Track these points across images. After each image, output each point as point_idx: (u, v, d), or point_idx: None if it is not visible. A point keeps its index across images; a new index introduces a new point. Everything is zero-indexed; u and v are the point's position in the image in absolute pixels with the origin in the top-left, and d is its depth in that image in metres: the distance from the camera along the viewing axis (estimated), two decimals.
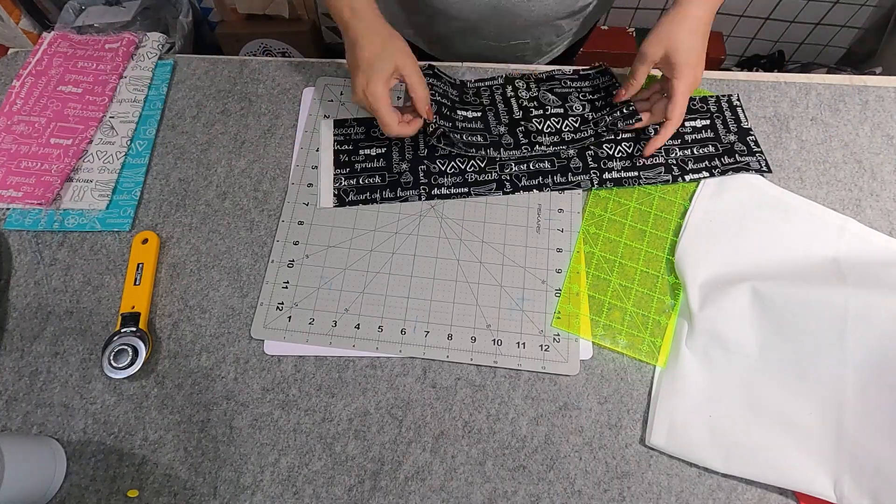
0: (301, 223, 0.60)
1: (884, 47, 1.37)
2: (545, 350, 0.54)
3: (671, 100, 0.58)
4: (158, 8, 1.39)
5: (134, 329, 0.54)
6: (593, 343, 0.55)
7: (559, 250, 0.59)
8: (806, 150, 0.64)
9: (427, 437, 0.52)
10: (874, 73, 1.35)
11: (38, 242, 0.60)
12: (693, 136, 0.63)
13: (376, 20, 0.58)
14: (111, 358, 0.52)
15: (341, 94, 0.68)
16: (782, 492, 0.49)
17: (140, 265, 0.57)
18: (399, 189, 0.61)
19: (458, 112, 0.64)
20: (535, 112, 0.64)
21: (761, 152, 0.62)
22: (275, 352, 0.55)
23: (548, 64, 0.79)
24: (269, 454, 0.51)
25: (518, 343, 0.55)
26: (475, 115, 0.64)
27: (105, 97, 0.67)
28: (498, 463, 0.51)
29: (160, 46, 0.71)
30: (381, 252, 0.59)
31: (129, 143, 0.65)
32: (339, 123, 0.65)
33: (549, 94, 0.66)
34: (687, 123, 0.64)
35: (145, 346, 0.53)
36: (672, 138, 0.62)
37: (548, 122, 0.63)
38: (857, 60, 1.48)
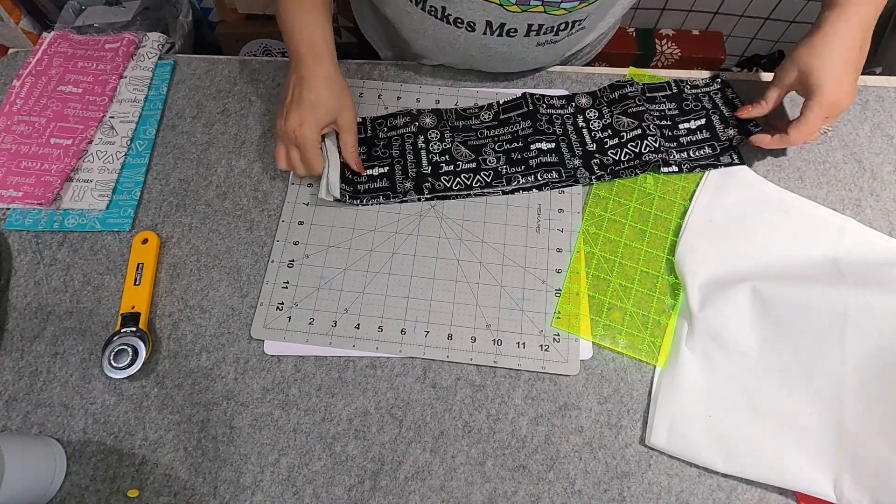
0: (301, 223, 0.60)
1: (884, 47, 1.37)
2: (545, 350, 0.54)
3: (799, 118, 0.55)
4: (158, 8, 1.39)
5: (134, 329, 0.54)
6: (593, 343, 0.55)
7: (559, 250, 0.59)
8: (806, 150, 0.64)
9: (427, 437, 0.52)
10: (874, 73, 1.35)
11: (38, 242, 0.60)
12: (689, 139, 0.63)
13: (333, 70, 0.57)
14: (111, 358, 0.52)
15: None
16: (782, 492, 0.49)
17: (140, 265, 0.57)
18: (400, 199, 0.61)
19: (532, 147, 0.62)
20: (609, 143, 0.62)
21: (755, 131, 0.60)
22: (275, 352, 0.55)
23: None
24: (269, 454, 0.51)
25: (518, 343, 0.55)
26: (549, 146, 0.62)
27: (105, 97, 0.67)
28: (498, 463, 0.51)
29: (160, 46, 0.72)
30: (381, 252, 0.59)
31: (129, 143, 0.65)
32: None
33: (463, 148, 0.63)
34: (681, 126, 0.63)
35: (145, 346, 0.53)
36: (669, 141, 0.62)
37: (457, 179, 0.61)
38: None
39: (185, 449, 0.51)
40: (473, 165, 0.62)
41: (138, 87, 0.68)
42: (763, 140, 0.58)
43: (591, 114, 0.64)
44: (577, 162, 0.61)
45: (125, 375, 0.52)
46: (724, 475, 0.50)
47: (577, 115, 0.64)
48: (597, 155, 0.61)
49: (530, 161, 0.61)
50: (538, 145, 0.62)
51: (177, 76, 0.70)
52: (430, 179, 0.61)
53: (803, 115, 0.54)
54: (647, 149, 0.60)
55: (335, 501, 0.50)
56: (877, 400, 0.49)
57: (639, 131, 0.61)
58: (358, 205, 0.60)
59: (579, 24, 0.60)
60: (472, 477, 0.50)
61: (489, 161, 0.62)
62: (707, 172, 0.61)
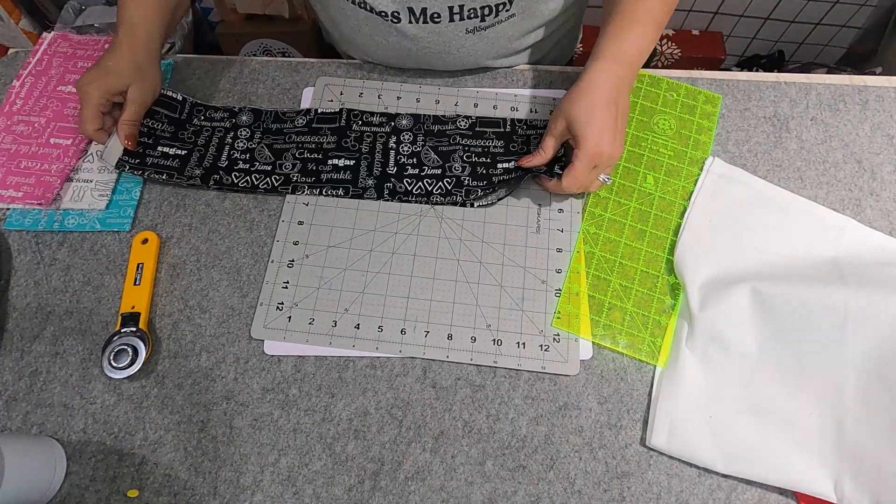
0: (301, 223, 0.60)
1: (884, 47, 1.37)
2: (545, 350, 0.54)
3: (569, 166, 0.55)
4: None
5: (134, 329, 0.54)
6: (593, 343, 0.55)
7: (559, 250, 0.59)
8: (806, 150, 0.64)
9: (427, 437, 0.52)
10: (874, 73, 1.35)
11: (38, 242, 0.60)
12: (501, 178, 0.61)
13: (141, 48, 0.59)
14: (111, 358, 0.52)
15: (341, 93, 0.68)
16: (782, 492, 0.49)
17: (140, 265, 0.57)
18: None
19: (330, 162, 0.62)
20: (409, 171, 0.62)
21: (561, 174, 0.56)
22: (275, 352, 0.55)
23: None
24: (269, 454, 0.51)
25: (518, 343, 0.55)
26: (347, 163, 0.62)
27: None
28: (498, 463, 0.51)
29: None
30: (381, 252, 0.59)
31: None
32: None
33: (432, 153, 0.62)
34: (499, 165, 0.61)
35: (145, 346, 0.53)
36: (478, 179, 0.60)
37: (419, 183, 0.61)
38: (857, 60, 1.48)
39: (185, 449, 0.51)
40: (269, 168, 0.62)
41: None
42: (545, 182, 0.59)
43: (406, 137, 0.64)
44: (370, 182, 0.61)
45: (125, 375, 0.52)
46: (725, 475, 0.50)
47: (391, 135, 0.64)
48: (392, 179, 0.61)
49: (322, 175, 0.62)
50: (335, 161, 0.62)
51: (177, 76, 0.70)
52: (220, 172, 0.62)
53: (571, 164, 0.54)
54: (439, 190, 0.60)
55: (335, 501, 0.50)
56: (877, 400, 0.49)
57: (438, 171, 0.61)
58: (140, 175, 0.61)
59: (505, 9, 0.60)
60: (472, 477, 0.50)
61: (284, 166, 0.62)
62: (706, 173, 0.61)
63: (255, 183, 0.61)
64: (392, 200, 0.61)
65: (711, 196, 0.60)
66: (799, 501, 0.49)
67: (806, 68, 1.51)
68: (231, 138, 0.64)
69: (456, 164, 0.62)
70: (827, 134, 0.65)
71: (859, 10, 1.37)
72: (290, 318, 0.56)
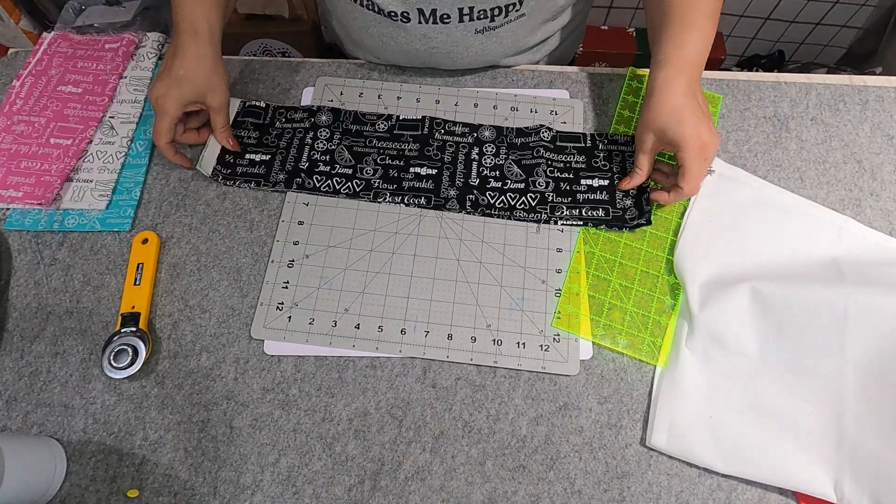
0: (301, 223, 0.60)
1: (884, 47, 1.37)
2: (545, 350, 0.54)
3: (681, 171, 0.54)
4: (158, 8, 1.38)
5: (134, 329, 0.54)
6: (593, 343, 0.55)
7: (559, 250, 0.59)
8: (806, 150, 0.64)
9: (427, 437, 0.52)
10: (874, 73, 1.35)
11: (38, 242, 0.60)
12: (586, 196, 0.60)
13: (209, 49, 0.57)
14: (111, 358, 0.52)
15: (341, 93, 0.68)
16: (782, 492, 0.49)
17: (140, 265, 0.57)
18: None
19: (412, 170, 0.62)
20: (492, 184, 0.61)
21: (650, 211, 0.58)
22: (275, 352, 0.55)
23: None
24: (269, 454, 0.51)
25: (518, 343, 0.55)
26: (430, 172, 0.62)
27: (105, 97, 0.67)
28: (498, 463, 0.51)
29: (160, 46, 0.72)
30: (381, 252, 0.59)
31: (129, 143, 0.65)
32: None
33: (515, 166, 0.61)
34: (583, 182, 0.60)
35: (145, 346, 0.53)
36: (562, 196, 0.60)
37: (502, 197, 0.60)
38: (857, 60, 1.48)
39: (185, 449, 0.51)
40: (349, 171, 0.62)
41: (138, 88, 0.68)
42: (661, 197, 0.58)
43: (489, 149, 0.63)
44: (452, 193, 0.60)
45: (125, 375, 0.52)
46: (724, 475, 0.50)
47: (474, 146, 0.63)
48: (475, 192, 0.60)
49: (404, 183, 0.61)
50: (418, 169, 0.62)
51: None
52: (302, 175, 0.61)
53: (683, 168, 0.53)
54: (522, 205, 0.60)
55: (335, 501, 0.50)
56: (877, 400, 0.49)
57: (521, 185, 0.61)
58: (231, 185, 0.62)
59: (515, 9, 0.60)
60: (472, 477, 0.50)
61: (365, 171, 0.62)
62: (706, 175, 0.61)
63: (337, 188, 0.61)
64: (474, 213, 0.60)
65: (711, 196, 0.60)
66: (799, 501, 0.49)
67: (806, 68, 1.51)
68: (311, 139, 0.63)
69: (539, 179, 0.61)
70: (827, 134, 0.65)
71: (859, 10, 1.37)
72: (290, 318, 0.56)
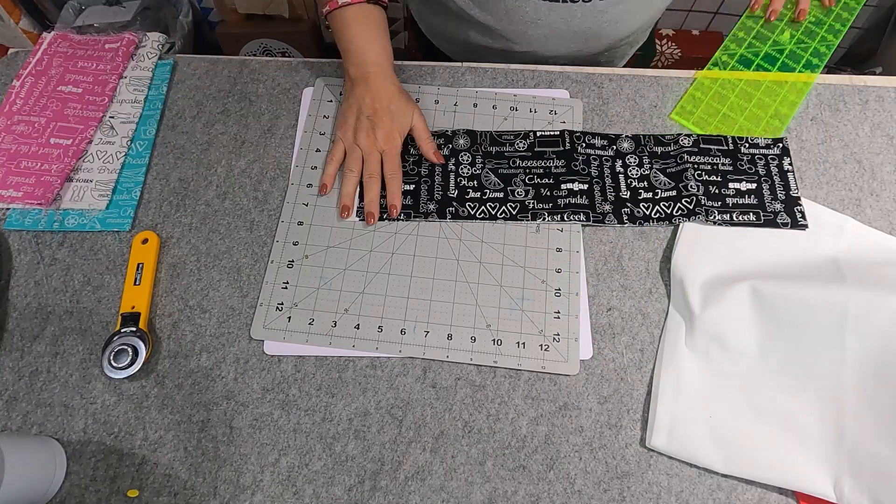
0: (301, 223, 0.60)
1: (884, 47, 1.37)
2: (545, 350, 0.54)
3: None
4: (158, 8, 1.39)
5: (134, 329, 0.54)
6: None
7: (559, 250, 0.59)
8: (806, 150, 0.64)
9: (427, 437, 0.52)
10: (874, 73, 1.35)
11: (38, 242, 0.60)
12: (735, 200, 0.60)
13: (396, 77, 0.62)
14: (111, 358, 0.52)
15: (341, 94, 0.67)
16: (782, 492, 0.49)
17: (140, 265, 0.57)
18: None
19: (564, 186, 0.61)
20: (643, 195, 0.60)
21: (806, 225, 0.58)
22: (275, 352, 0.55)
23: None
24: (269, 454, 0.51)
25: (518, 343, 0.55)
26: (581, 188, 0.61)
27: (105, 97, 0.67)
28: (498, 463, 0.51)
29: (160, 46, 0.71)
30: (381, 252, 0.59)
31: (129, 143, 0.65)
32: None
33: (661, 175, 0.61)
34: (731, 185, 0.60)
35: (145, 346, 0.53)
36: (712, 199, 0.59)
37: (656, 207, 0.60)
38: (857, 60, 1.48)
39: (185, 449, 0.51)
40: (501, 195, 0.61)
41: (138, 88, 0.68)
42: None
43: (631, 160, 0.62)
44: (607, 207, 0.60)
45: (125, 375, 0.52)
46: (724, 475, 0.50)
47: (616, 158, 0.63)
48: (629, 204, 0.60)
49: (559, 200, 0.60)
50: (569, 185, 0.61)
51: (177, 76, 0.70)
52: (454, 204, 0.60)
53: None
54: (679, 212, 0.59)
55: (335, 501, 0.50)
56: (877, 400, 0.49)
57: (673, 193, 0.60)
58: (383, 219, 0.60)
59: None
60: (472, 477, 0.50)
61: (518, 193, 0.61)
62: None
63: (493, 213, 0.60)
64: (634, 225, 0.59)
65: None
66: (799, 501, 0.49)
67: None
68: (454, 164, 0.62)
69: (691, 183, 0.60)
70: (827, 134, 0.65)
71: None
72: (289, 318, 0.56)
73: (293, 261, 0.58)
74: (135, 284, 0.56)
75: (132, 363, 0.52)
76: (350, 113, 0.61)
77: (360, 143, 0.60)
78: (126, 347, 0.53)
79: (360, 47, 0.61)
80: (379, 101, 0.60)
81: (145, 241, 0.59)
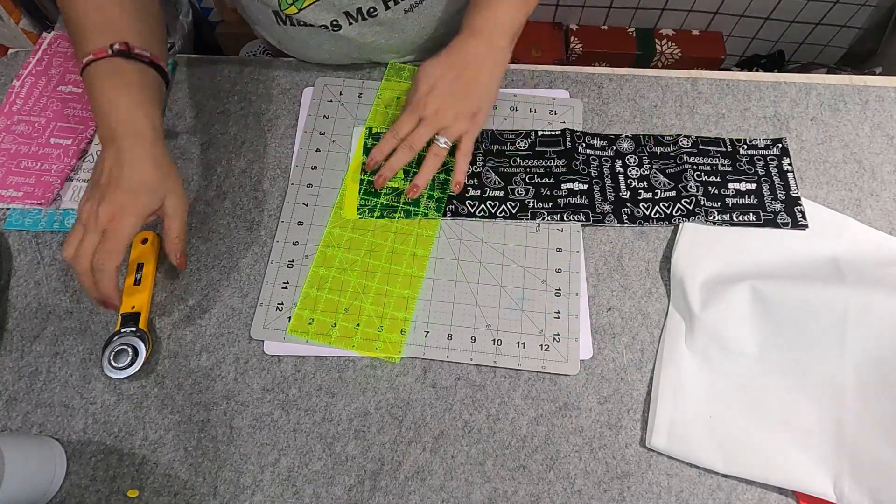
0: (301, 224, 0.60)
1: (884, 47, 1.37)
2: (545, 350, 0.54)
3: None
4: None
5: (134, 329, 0.54)
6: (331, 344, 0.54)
7: (559, 250, 0.59)
8: (806, 150, 0.64)
9: (427, 437, 0.52)
10: (874, 73, 1.35)
11: (38, 242, 0.60)
12: (735, 201, 0.60)
13: (158, 150, 0.49)
14: (111, 358, 0.52)
15: (340, 94, 0.68)
16: (782, 492, 0.49)
17: (140, 265, 0.57)
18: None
19: (564, 186, 0.61)
20: (643, 195, 0.60)
21: (806, 225, 0.58)
22: (275, 352, 0.55)
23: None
24: (269, 454, 0.51)
25: (518, 343, 0.55)
26: (581, 188, 0.61)
27: None
28: (498, 463, 0.51)
29: None
30: (381, 252, 0.59)
31: None
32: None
33: (661, 176, 0.61)
34: (730, 185, 0.61)
35: (145, 346, 0.53)
36: (712, 200, 0.60)
37: (657, 207, 0.60)
38: (857, 60, 1.48)
39: (185, 449, 0.51)
40: (501, 194, 0.61)
41: None
42: None
43: (631, 160, 0.62)
44: (607, 207, 0.60)
45: (125, 375, 0.52)
46: (725, 475, 0.50)
47: (616, 159, 0.63)
48: (628, 205, 0.60)
49: (559, 200, 0.60)
50: (569, 185, 0.61)
51: (177, 76, 0.70)
52: (454, 201, 0.60)
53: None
54: (679, 212, 0.59)
55: (335, 501, 0.50)
56: (877, 399, 0.49)
57: (673, 193, 0.60)
58: (377, 217, 0.60)
59: None
60: (472, 477, 0.50)
61: (518, 192, 0.61)
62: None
63: (493, 211, 0.60)
64: (634, 225, 0.59)
65: None
66: (799, 501, 0.49)
67: (806, 68, 1.51)
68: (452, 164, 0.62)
69: (690, 184, 0.60)
70: (827, 134, 0.65)
71: (859, 10, 1.37)
72: (289, 318, 0.56)
73: (293, 261, 0.58)
74: (135, 284, 0.56)
75: (132, 363, 0.52)
76: (93, 176, 0.49)
77: (81, 213, 0.48)
78: (126, 347, 0.53)
79: (108, 104, 0.49)
80: (118, 167, 0.48)
81: (145, 240, 0.58)
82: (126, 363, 0.52)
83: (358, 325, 0.55)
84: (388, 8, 0.60)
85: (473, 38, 0.55)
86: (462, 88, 0.55)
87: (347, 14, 0.59)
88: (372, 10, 0.60)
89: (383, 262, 0.57)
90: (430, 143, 0.58)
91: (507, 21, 0.56)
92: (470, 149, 0.58)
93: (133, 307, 0.55)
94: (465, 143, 0.57)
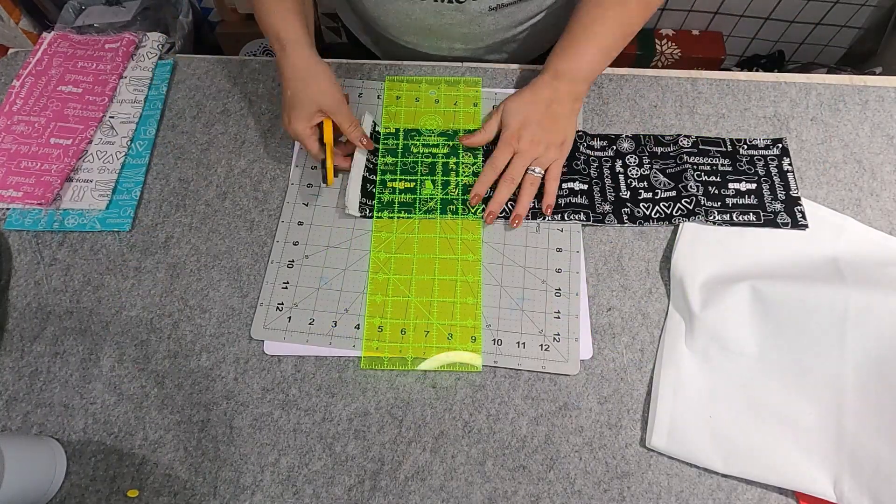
0: (301, 223, 0.60)
1: (884, 47, 1.37)
2: (545, 350, 0.54)
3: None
4: (158, 8, 1.39)
5: None
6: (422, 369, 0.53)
7: (559, 250, 0.59)
8: (806, 150, 0.64)
9: (427, 437, 0.52)
10: (874, 73, 1.35)
11: (38, 242, 0.60)
12: (735, 201, 0.60)
13: (301, 58, 0.58)
14: None
15: None
16: (782, 492, 0.49)
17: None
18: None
19: (565, 185, 0.61)
20: (643, 195, 0.60)
21: (806, 225, 0.58)
22: (275, 352, 0.55)
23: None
24: (269, 454, 0.51)
25: (518, 343, 0.55)
26: (582, 188, 0.61)
27: (105, 97, 0.67)
28: (498, 463, 0.51)
29: (160, 46, 0.72)
30: (381, 252, 0.59)
31: (129, 143, 0.65)
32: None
33: (661, 175, 0.61)
34: (730, 185, 0.60)
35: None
36: (712, 200, 0.60)
37: (657, 207, 0.60)
38: (857, 60, 1.48)
39: (185, 449, 0.51)
40: (673, 194, 0.60)
41: (138, 88, 0.68)
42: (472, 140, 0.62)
43: (631, 160, 0.62)
44: (607, 207, 0.60)
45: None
46: (724, 475, 0.50)
47: (616, 159, 0.63)
48: (628, 204, 0.60)
49: (559, 199, 0.60)
50: (570, 185, 0.61)
51: (177, 76, 0.70)
52: (455, 202, 0.60)
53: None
54: (679, 212, 0.59)
55: (335, 501, 0.50)
56: (877, 399, 0.49)
57: (673, 193, 0.60)
58: (378, 217, 0.60)
59: None
60: (472, 477, 0.50)
61: (690, 188, 0.60)
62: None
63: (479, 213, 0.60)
64: (634, 225, 0.59)
65: None
66: (799, 501, 0.49)
67: (806, 68, 1.51)
68: (455, 163, 0.63)
69: (690, 184, 0.60)
70: (827, 134, 0.65)
71: (859, 10, 1.37)
72: (289, 318, 0.56)
73: (293, 261, 0.58)
74: None
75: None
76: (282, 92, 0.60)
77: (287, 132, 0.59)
78: None
79: (268, 22, 0.59)
80: (283, 86, 0.59)
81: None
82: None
83: (428, 331, 0.55)
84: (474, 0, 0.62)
85: (557, 80, 0.59)
86: (550, 122, 0.59)
87: None
88: None
89: (436, 276, 0.57)
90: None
91: (589, 69, 0.60)
92: (559, 174, 0.60)
93: None
94: (555, 169, 0.60)
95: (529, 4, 0.65)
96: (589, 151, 0.63)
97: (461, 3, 0.62)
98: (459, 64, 0.70)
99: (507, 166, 0.59)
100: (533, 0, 0.64)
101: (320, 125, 0.59)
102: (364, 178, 0.61)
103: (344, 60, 0.71)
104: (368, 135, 0.62)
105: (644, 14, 0.59)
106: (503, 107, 0.61)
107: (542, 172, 0.59)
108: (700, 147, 0.63)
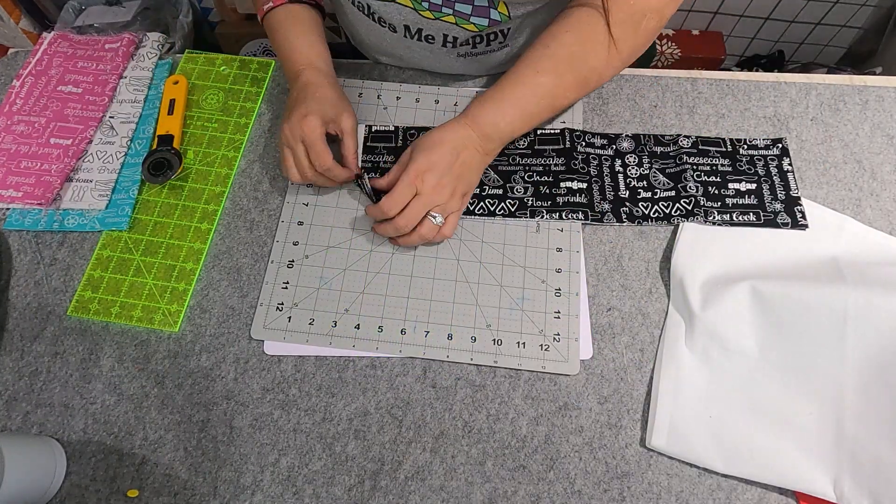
0: (301, 223, 0.60)
1: (884, 47, 1.37)
2: (545, 350, 0.54)
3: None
4: (158, 8, 1.39)
5: (168, 147, 0.62)
6: (112, 321, 0.56)
7: (559, 250, 0.59)
8: (806, 150, 0.64)
9: (427, 437, 0.52)
10: (874, 73, 1.35)
11: (38, 242, 0.60)
12: (735, 201, 0.60)
13: (330, 74, 0.60)
14: (150, 168, 0.61)
15: None
16: (782, 492, 0.49)
17: (172, 101, 0.65)
18: None
19: (563, 185, 0.61)
20: (642, 194, 0.60)
21: (806, 225, 0.58)
22: (275, 352, 0.55)
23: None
24: (269, 454, 0.51)
25: (518, 343, 0.55)
26: (581, 186, 0.61)
27: (105, 97, 0.67)
28: (498, 463, 0.51)
29: (160, 46, 0.72)
30: (381, 252, 0.59)
31: (128, 143, 0.65)
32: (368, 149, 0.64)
33: (661, 175, 0.61)
34: (730, 185, 0.60)
35: (179, 160, 0.62)
36: (712, 200, 0.59)
37: (655, 206, 0.60)
38: (857, 60, 1.48)
39: (185, 449, 0.51)
40: (500, 192, 0.61)
41: (138, 87, 0.68)
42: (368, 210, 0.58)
43: (631, 159, 0.62)
44: (606, 206, 0.60)
45: (163, 182, 0.61)
46: (724, 475, 0.50)
47: (616, 158, 0.63)
48: (627, 204, 0.60)
49: (558, 198, 0.60)
50: (568, 184, 0.61)
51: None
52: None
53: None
54: (678, 212, 0.59)
55: (335, 501, 0.50)
56: (877, 399, 0.49)
57: (672, 193, 0.60)
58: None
59: (497, 40, 0.61)
60: (472, 477, 0.50)
61: (517, 190, 0.61)
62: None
63: (492, 209, 0.60)
64: (633, 224, 0.59)
65: None
66: (799, 501, 0.49)
67: (806, 68, 1.51)
68: None
69: (689, 184, 0.60)
70: (827, 134, 0.65)
71: (859, 10, 1.37)
72: (289, 318, 0.56)
73: (293, 261, 0.58)
74: (168, 114, 0.65)
75: (170, 169, 0.61)
76: (286, 108, 0.60)
77: (282, 136, 0.57)
78: (163, 160, 0.61)
79: (292, 48, 0.60)
80: (304, 92, 0.57)
81: (176, 82, 0.67)
82: (161, 172, 0.61)
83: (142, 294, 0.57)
84: (444, 45, 0.61)
85: (473, 129, 0.56)
86: (459, 168, 0.55)
87: (407, 28, 0.60)
88: (430, 37, 0.61)
89: (167, 239, 0.60)
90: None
91: (507, 130, 0.57)
92: (453, 230, 0.57)
93: (167, 131, 0.63)
94: (451, 223, 0.56)
95: (498, 54, 0.64)
96: (588, 149, 0.63)
97: (431, 43, 0.61)
98: (436, 89, 0.68)
99: (405, 207, 0.55)
100: (502, 50, 0.63)
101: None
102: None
103: (344, 60, 0.71)
104: (364, 138, 0.63)
105: (578, 92, 0.57)
106: (414, 144, 0.57)
107: (442, 223, 0.55)
108: (700, 147, 0.63)
